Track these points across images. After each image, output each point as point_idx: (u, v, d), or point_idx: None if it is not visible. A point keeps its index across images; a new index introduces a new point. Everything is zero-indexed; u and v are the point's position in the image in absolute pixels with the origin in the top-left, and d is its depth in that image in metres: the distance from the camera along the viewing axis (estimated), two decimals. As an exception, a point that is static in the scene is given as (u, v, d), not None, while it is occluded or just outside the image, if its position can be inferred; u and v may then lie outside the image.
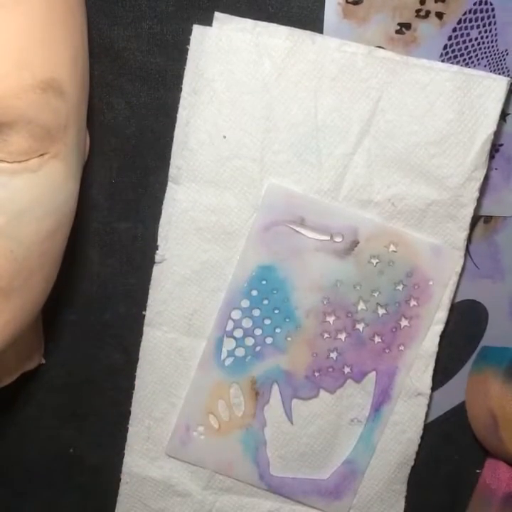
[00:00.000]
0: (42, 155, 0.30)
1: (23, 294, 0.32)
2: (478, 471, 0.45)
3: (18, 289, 0.32)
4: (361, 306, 0.40)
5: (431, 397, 0.42)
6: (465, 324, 0.43)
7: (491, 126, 0.38)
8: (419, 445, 0.42)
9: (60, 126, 0.31)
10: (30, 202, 0.31)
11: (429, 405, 0.41)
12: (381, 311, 0.40)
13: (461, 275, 0.40)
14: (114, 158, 0.40)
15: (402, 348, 0.41)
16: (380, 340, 0.40)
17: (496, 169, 0.41)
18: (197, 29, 0.37)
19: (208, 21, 0.37)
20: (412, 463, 0.42)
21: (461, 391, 0.44)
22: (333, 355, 0.40)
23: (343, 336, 0.40)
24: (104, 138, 0.39)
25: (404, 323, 0.40)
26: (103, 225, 0.41)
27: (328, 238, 0.39)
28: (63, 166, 0.32)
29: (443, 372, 0.43)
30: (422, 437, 0.42)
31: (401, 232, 0.39)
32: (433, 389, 0.42)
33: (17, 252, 0.31)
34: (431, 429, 0.43)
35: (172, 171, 0.39)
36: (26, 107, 0.29)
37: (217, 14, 0.37)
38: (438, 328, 0.40)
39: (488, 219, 0.42)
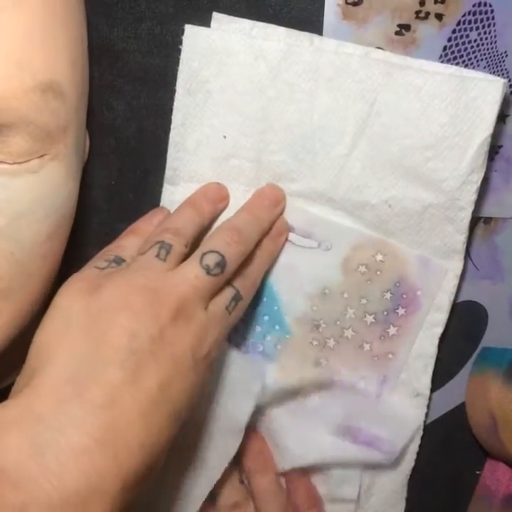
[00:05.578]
0: (42, 156, 0.30)
1: (22, 296, 0.32)
2: (478, 472, 0.45)
3: (18, 290, 0.32)
4: (349, 313, 0.40)
5: (431, 398, 0.42)
6: (465, 325, 0.43)
7: (488, 129, 0.36)
8: (419, 446, 0.42)
9: (60, 127, 0.31)
10: (30, 203, 0.31)
11: (428, 406, 0.41)
12: (369, 319, 0.40)
13: (461, 276, 0.40)
14: (114, 159, 0.40)
15: (390, 356, 0.40)
16: (368, 347, 0.40)
17: (495, 171, 0.41)
18: (189, 29, 0.37)
19: (207, 22, 0.37)
20: (413, 464, 0.42)
21: (461, 392, 0.44)
22: (322, 362, 0.40)
23: (331, 343, 0.40)
24: (104, 139, 0.39)
25: (392, 331, 0.40)
26: (103, 226, 0.41)
27: (316, 246, 0.39)
28: (63, 167, 0.32)
29: (443, 373, 0.43)
30: (422, 438, 0.42)
31: (388, 242, 0.39)
32: (433, 390, 0.42)
33: (17, 253, 0.31)
34: (431, 430, 0.43)
35: (168, 172, 0.39)
36: (26, 108, 0.29)
37: (215, 14, 0.37)
38: (437, 330, 0.40)
39: (488, 220, 0.42)
